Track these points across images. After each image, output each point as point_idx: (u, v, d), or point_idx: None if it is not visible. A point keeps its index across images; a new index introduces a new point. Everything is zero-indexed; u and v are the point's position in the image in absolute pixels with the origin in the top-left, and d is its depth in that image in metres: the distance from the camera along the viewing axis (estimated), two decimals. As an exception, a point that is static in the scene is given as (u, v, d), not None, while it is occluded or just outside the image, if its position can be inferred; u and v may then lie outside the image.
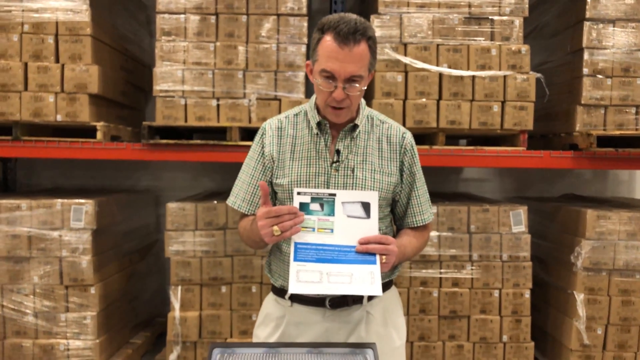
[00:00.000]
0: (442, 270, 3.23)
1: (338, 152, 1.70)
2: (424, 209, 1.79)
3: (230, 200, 1.79)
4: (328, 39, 1.56)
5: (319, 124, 1.71)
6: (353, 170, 1.68)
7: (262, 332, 1.78)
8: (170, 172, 4.42)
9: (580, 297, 3.16)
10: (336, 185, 1.67)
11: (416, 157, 1.78)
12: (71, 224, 3.14)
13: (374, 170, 1.70)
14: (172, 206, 3.24)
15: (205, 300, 3.24)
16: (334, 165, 1.69)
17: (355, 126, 1.72)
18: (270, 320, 1.77)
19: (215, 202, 3.28)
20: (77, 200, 3.15)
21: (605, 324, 3.17)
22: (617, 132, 3.20)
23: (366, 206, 1.56)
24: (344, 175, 1.68)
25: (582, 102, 3.25)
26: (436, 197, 3.72)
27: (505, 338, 3.24)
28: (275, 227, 1.49)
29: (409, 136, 1.78)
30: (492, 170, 4.47)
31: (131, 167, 4.36)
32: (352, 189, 1.66)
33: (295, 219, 1.50)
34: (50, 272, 3.14)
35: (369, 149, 1.72)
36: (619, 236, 3.14)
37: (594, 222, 3.14)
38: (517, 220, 3.25)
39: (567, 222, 3.39)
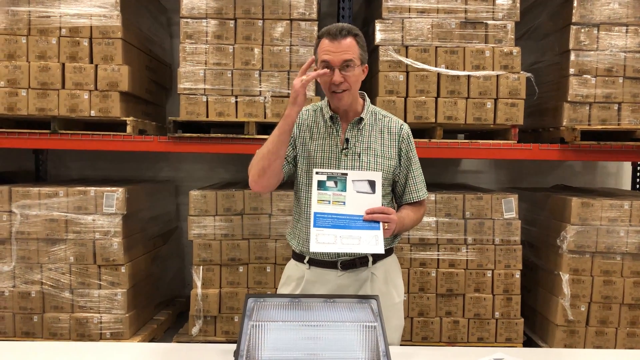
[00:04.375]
0: (439, 253, 3.54)
1: (347, 140, 2.04)
2: (419, 188, 2.12)
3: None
4: (324, 40, 1.96)
5: (331, 117, 2.07)
6: (359, 156, 2.02)
7: (285, 290, 2.12)
8: (189, 164, 4.75)
9: (565, 277, 3.47)
10: (345, 167, 2.01)
11: (412, 145, 2.12)
12: (104, 209, 3.47)
13: (377, 155, 2.04)
14: (194, 194, 3.57)
15: (224, 279, 3.57)
16: (343, 151, 2.03)
17: (361, 119, 2.06)
18: (292, 280, 2.12)
19: (234, 190, 3.60)
20: (109, 188, 3.48)
21: (588, 302, 3.48)
22: (599, 127, 3.51)
23: (372, 184, 1.90)
24: (352, 160, 2.02)
25: (569, 99, 3.55)
26: (435, 187, 4.04)
27: (497, 314, 3.56)
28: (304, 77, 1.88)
29: (406, 127, 2.12)
30: (489, 163, 4.78)
31: (152, 159, 4.70)
32: (359, 170, 2.00)
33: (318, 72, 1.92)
34: (84, 252, 3.47)
35: (373, 138, 2.06)
36: (601, 222, 3.45)
37: (578, 209, 3.45)
38: (509, 207, 3.56)
39: (555, 210, 3.70)
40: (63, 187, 3.51)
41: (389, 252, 2.12)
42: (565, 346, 3.48)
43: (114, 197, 3.47)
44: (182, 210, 4.64)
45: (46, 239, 3.47)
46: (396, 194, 2.15)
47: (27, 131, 3.49)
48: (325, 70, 1.91)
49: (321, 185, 1.89)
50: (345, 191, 1.88)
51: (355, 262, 2.03)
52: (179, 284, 4.63)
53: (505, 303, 3.56)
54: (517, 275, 3.55)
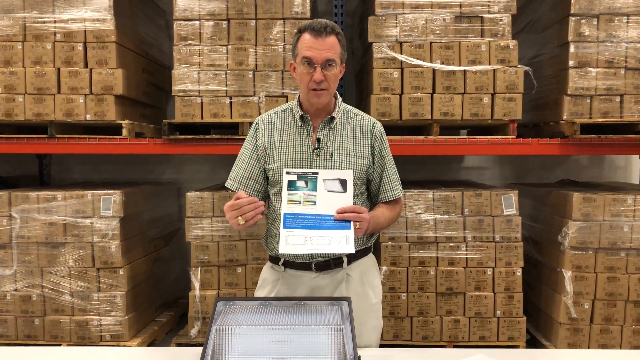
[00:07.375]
0: (438, 251, 3.49)
1: (319, 140, 2.01)
2: (394, 186, 2.09)
3: (227, 183, 2.13)
4: (305, 35, 1.93)
5: (302, 117, 2.03)
6: (331, 155, 1.99)
7: (261, 293, 2.10)
8: (190, 166, 4.76)
9: (568, 274, 3.39)
10: (317, 167, 1.97)
11: (385, 143, 2.09)
12: (101, 213, 3.49)
13: (349, 154, 2.01)
14: (191, 195, 3.57)
15: (222, 280, 3.56)
16: (315, 151, 2.00)
17: (333, 118, 2.03)
18: (267, 283, 2.10)
19: (230, 191, 3.58)
20: (106, 191, 3.50)
21: (592, 299, 3.39)
22: (600, 120, 3.42)
23: (343, 182, 1.87)
24: (323, 160, 1.99)
25: (569, 92, 3.47)
26: (437, 184, 3.99)
27: (498, 313, 3.49)
28: (240, 218, 1.78)
29: (378, 125, 2.09)
30: (493, 159, 4.70)
31: (155, 161, 4.72)
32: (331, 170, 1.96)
33: (256, 208, 1.78)
34: (83, 255, 3.49)
35: (345, 137, 2.03)
36: (604, 217, 3.36)
37: (580, 204, 3.37)
38: (509, 203, 3.49)
39: (557, 205, 3.62)
40: (61, 191, 3.53)
41: (365, 252, 2.09)
42: (569, 345, 3.40)
43: (111, 200, 3.49)
44: (184, 212, 4.63)
45: (46, 243, 3.50)
46: (371, 193, 2.12)
47: (24, 136, 3.53)
48: (259, 208, 1.78)
49: (291, 185, 1.86)
50: (316, 191, 1.85)
51: (329, 264, 2.00)
52: (182, 286, 4.63)
53: (507, 301, 3.49)
54: (519, 272, 3.48)
